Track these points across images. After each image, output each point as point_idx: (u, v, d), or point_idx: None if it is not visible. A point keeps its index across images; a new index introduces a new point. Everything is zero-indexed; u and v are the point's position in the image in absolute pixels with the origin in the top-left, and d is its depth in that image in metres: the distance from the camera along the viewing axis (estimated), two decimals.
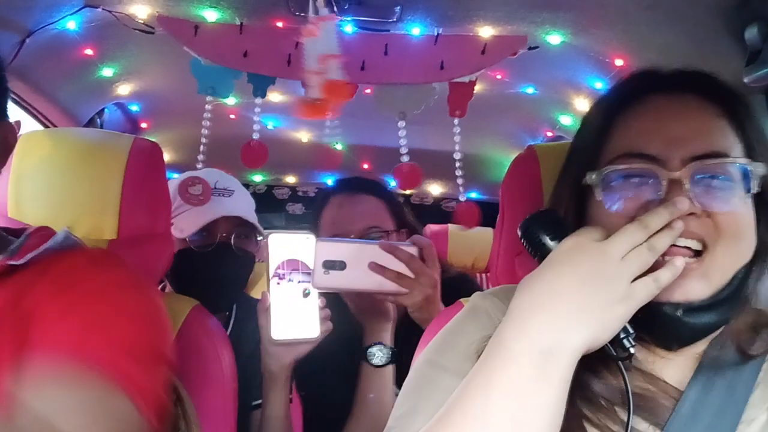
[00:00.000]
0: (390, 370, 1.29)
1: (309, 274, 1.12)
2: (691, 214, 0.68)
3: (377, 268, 1.13)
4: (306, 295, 1.13)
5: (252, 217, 1.47)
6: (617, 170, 0.73)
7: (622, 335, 0.65)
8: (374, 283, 1.14)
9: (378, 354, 1.29)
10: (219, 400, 1.02)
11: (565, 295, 0.61)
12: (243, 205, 1.47)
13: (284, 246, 1.13)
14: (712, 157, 0.70)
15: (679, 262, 0.65)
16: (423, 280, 1.16)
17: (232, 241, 1.41)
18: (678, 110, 0.73)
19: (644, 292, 0.63)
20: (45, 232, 0.84)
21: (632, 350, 0.65)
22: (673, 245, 0.67)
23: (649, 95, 0.75)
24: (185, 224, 1.38)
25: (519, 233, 0.72)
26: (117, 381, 0.67)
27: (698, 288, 0.69)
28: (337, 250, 1.12)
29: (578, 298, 0.61)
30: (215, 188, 1.43)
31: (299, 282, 1.13)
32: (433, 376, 0.74)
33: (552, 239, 0.69)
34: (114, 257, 0.86)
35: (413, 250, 1.16)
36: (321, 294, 1.14)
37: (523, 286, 0.64)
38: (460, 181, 1.26)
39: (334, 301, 1.26)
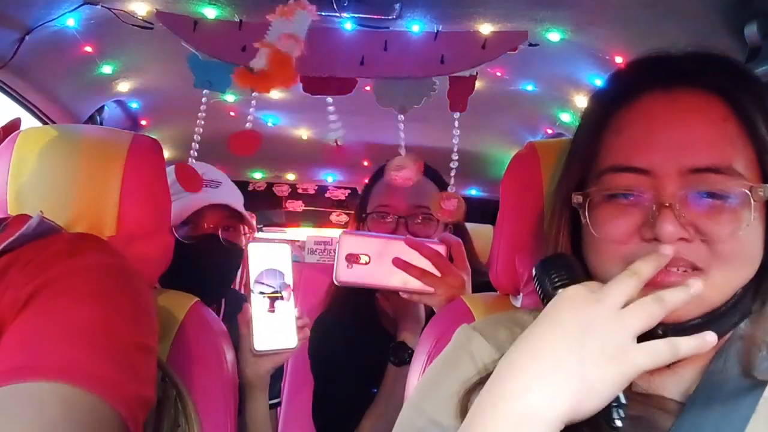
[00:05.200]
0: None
1: (286, 284, 1.10)
2: (682, 239, 0.60)
3: (401, 264, 1.09)
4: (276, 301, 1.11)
5: (239, 206, 1.44)
6: (601, 190, 0.65)
7: (613, 404, 0.55)
8: (398, 281, 1.10)
9: (399, 354, 1.28)
10: (220, 397, 1.02)
11: (546, 353, 0.54)
12: (229, 195, 1.45)
13: (264, 255, 1.10)
14: (712, 172, 0.60)
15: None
16: (449, 279, 1.11)
17: (219, 233, 1.39)
18: (675, 111, 0.63)
19: (647, 354, 0.53)
20: (23, 220, 0.82)
21: (618, 423, 0.55)
22: (664, 271, 0.60)
23: (645, 93, 0.67)
24: (171, 216, 1.38)
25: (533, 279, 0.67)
26: (75, 379, 0.62)
27: (689, 308, 0.60)
28: (362, 244, 1.09)
29: (560, 355, 0.53)
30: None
31: (277, 292, 1.11)
32: (418, 425, 0.70)
33: (555, 288, 0.62)
34: (95, 240, 0.84)
35: (440, 248, 1.12)
36: (342, 288, 1.12)
37: (515, 343, 0.57)
38: (452, 173, 1.23)
39: (363, 295, 1.23)
